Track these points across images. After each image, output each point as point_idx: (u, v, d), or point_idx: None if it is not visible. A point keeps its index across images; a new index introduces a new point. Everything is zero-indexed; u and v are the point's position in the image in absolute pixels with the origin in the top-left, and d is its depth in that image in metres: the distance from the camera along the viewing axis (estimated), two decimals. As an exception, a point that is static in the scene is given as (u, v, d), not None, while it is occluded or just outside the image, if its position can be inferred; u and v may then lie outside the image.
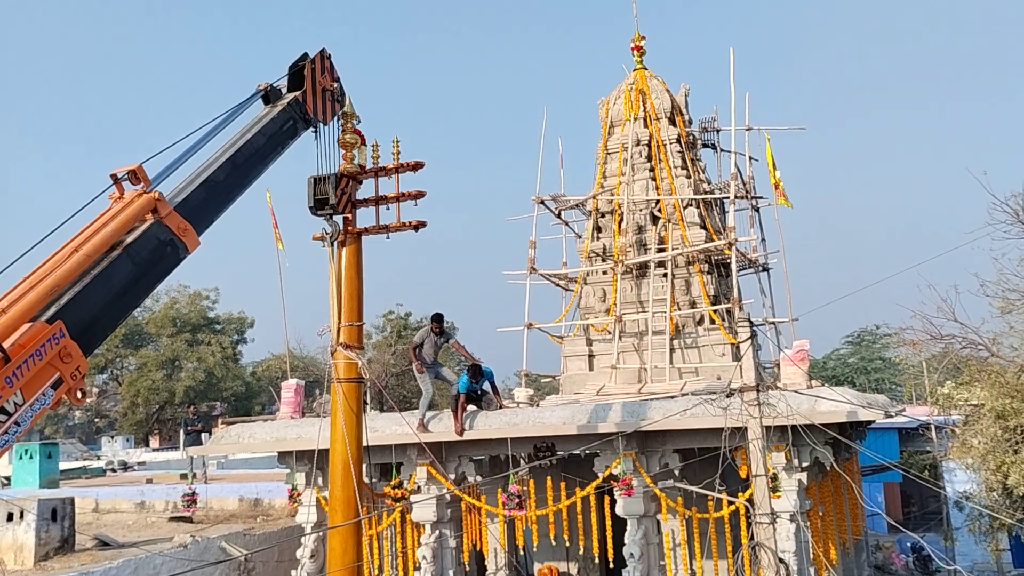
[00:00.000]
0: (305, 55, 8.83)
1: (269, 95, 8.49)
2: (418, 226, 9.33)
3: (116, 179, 6.59)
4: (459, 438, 13.07)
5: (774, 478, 11.20)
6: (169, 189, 7.05)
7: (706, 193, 17.16)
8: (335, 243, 9.16)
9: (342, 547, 8.93)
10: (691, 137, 17.97)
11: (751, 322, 9.74)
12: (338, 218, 9.20)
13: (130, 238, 6.42)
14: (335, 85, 9.13)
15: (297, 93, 8.57)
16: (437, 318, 13.21)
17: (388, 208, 9.43)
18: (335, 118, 9.22)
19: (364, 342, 9.76)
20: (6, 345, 5.31)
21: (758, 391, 9.30)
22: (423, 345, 13.15)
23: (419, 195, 9.27)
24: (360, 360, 9.09)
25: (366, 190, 9.61)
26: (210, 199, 7.32)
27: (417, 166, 9.28)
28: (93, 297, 6.05)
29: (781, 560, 10.06)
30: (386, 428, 13.50)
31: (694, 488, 11.15)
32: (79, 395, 5.88)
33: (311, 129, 8.86)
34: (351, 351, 9.06)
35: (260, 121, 8.14)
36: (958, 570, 13.76)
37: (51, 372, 5.61)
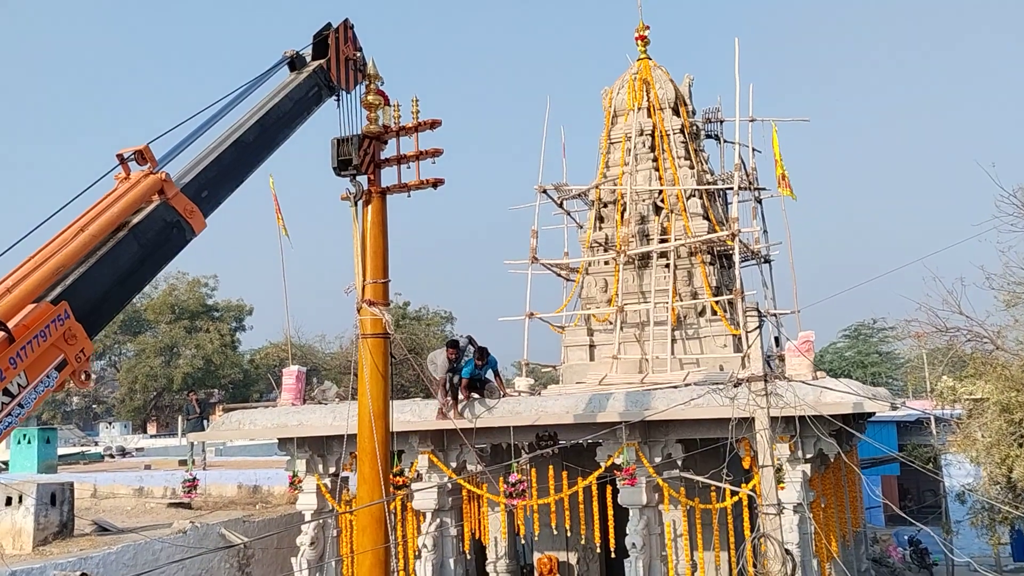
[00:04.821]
0: (329, 25, 8.92)
1: (295, 62, 8.63)
2: (436, 183, 9.47)
3: (123, 159, 6.48)
4: (460, 426, 13.01)
5: (779, 469, 11.15)
6: (184, 164, 7.02)
7: (709, 184, 17.09)
8: (359, 203, 9.35)
9: (370, 497, 9.06)
10: (695, 127, 17.88)
11: (759, 311, 9.68)
12: (361, 178, 9.36)
13: (136, 219, 6.31)
14: (358, 55, 9.27)
15: (322, 61, 8.71)
16: (453, 344, 13.33)
17: (408, 167, 9.54)
18: (357, 86, 9.35)
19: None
20: (10, 325, 5.23)
21: (766, 381, 9.24)
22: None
23: (436, 153, 9.43)
24: (385, 316, 9.18)
25: (385, 150, 9.72)
26: (239, 160, 7.40)
27: (435, 124, 9.43)
28: (98, 278, 5.95)
29: (788, 551, 10.02)
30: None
31: (698, 478, 11.12)
32: (83, 377, 5.78)
33: (334, 97, 8.99)
34: (376, 307, 9.16)
35: (287, 86, 8.30)
36: (970, 560, 13.72)
37: (55, 353, 5.51)
